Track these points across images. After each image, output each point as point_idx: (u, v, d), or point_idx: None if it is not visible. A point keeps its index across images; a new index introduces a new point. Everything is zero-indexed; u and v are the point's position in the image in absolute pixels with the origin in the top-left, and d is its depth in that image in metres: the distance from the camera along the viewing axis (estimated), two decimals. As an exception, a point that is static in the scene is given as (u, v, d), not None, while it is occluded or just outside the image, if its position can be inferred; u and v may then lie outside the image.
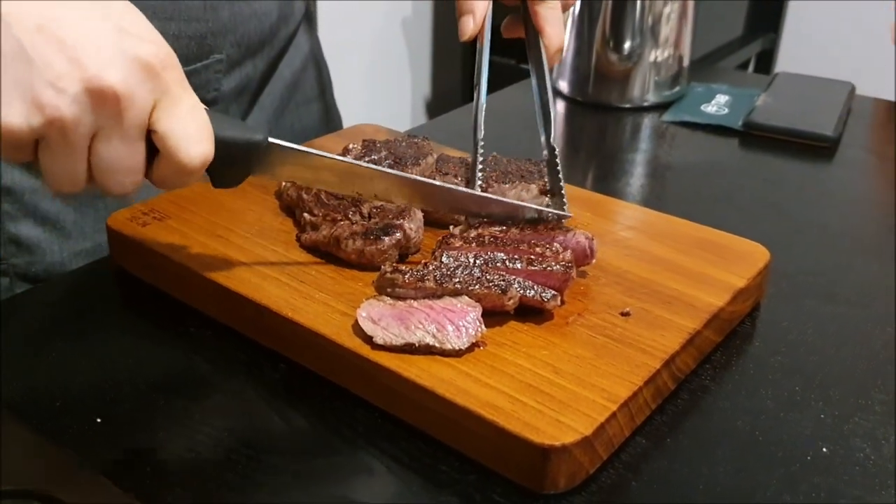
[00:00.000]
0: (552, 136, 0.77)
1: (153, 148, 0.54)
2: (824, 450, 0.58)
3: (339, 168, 0.65)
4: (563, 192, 0.74)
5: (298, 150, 0.63)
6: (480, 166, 0.74)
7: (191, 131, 0.54)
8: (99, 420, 0.59)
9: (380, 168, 0.67)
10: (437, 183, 0.69)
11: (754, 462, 0.57)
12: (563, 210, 0.73)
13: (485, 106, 0.75)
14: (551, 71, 0.79)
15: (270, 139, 0.61)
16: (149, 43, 0.52)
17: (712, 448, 0.58)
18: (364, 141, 0.78)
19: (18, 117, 0.49)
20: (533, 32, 0.79)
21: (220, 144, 0.56)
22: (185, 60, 0.85)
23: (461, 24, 0.78)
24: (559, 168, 0.75)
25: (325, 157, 0.64)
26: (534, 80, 0.80)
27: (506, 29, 0.82)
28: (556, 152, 0.75)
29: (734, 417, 0.61)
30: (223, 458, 0.56)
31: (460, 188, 0.69)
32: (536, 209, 0.71)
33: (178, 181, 0.56)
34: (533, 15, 0.78)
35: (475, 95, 0.76)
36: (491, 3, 0.78)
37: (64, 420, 0.59)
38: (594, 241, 0.68)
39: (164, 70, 0.52)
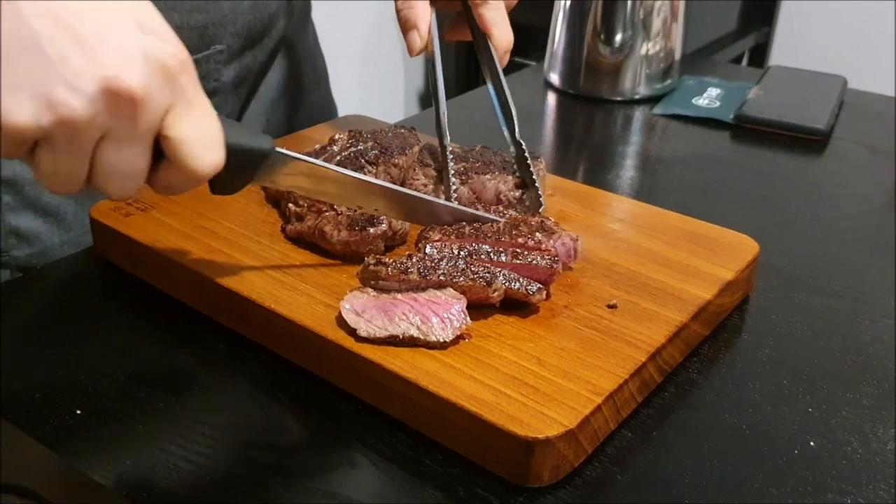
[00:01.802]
0: (516, 132, 0.76)
1: (157, 152, 0.51)
2: (811, 444, 0.58)
3: (343, 181, 0.64)
4: (536, 184, 0.74)
5: (304, 160, 0.62)
6: (453, 171, 0.73)
7: (204, 137, 0.52)
8: (79, 412, 0.58)
9: (383, 183, 0.66)
10: (439, 201, 0.68)
11: (741, 456, 0.57)
12: (540, 202, 0.73)
13: (447, 113, 0.75)
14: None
15: (277, 148, 0.59)
16: (169, 44, 0.49)
17: (699, 442, 0.58)
18: (350, 131, 0.77)
19: (26, 114, 0.45)
20: (480, 35, 0.79)
21: (227, 150, 0.54)
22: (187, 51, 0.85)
23: (407, 40, 0.77)
24: (529, 161, 0.74)
25: (330, 168, 0.64)
26: (489, 83, 0.79)
27: (449, 32, 0.82)
28: (524, 146, 0.75)
29: (721, 411, 0.60)
30: (203, 451, 0.56)
31: (462, 208, 0.69)
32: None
33: (183, 187, 0.54)
34: (478, 18, 0.78)
35: (434, 106, 0.76)
36: (434, 13, 0.78)
37: (43, 413, 0.58)
38: (579, 241, 0.67)
39: (182, 73, 0.49)
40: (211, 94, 0.89)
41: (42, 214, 0.84)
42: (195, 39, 0.85)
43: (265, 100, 0.99)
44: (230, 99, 0.93)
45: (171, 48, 0.49)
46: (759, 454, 0.57)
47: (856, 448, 0.58)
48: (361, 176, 0.66)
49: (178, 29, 0.83)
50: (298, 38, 1.03)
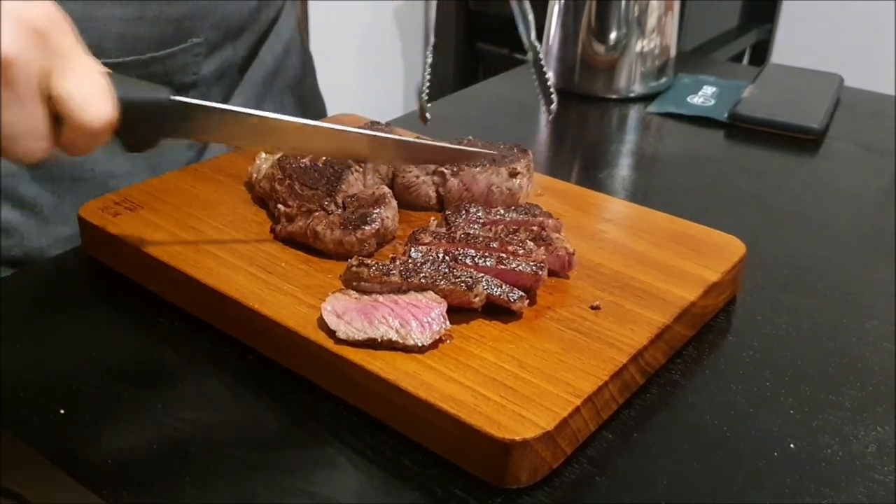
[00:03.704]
0: (532, 35, 0.81)
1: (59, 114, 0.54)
2: (792, 446, 0.58)
3: (249, 122, 0.64)
4: (549, 84, 0.78)
5: (204, 105, 0.62)
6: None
7: (88, 93, 0.54)
8: (62, 411, 0.59)
9: (294, 119, 0.65)
10: (356, 130, 0.67)
11: (721, 458, 0.57)
12: (551, 98, 0.74)
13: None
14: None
15: (174, 97, 0.61)
16: (37, 7, 0.52)
17: (679, 444, 0.58)
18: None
19: None
20: None
21: (125, 106, 0.57)
22: (163, 43, 0.85)
23: None
24: (543, 64, 0.79)
25: (232, 110, 0.64)
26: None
27: None
28: (538, 49, 0.80)
29: (703, 413, 0.61)
30: (184, 450, 0.56)
31: (381, 134, 0.69)
32: (457, 147, 0.72)
33: (85, 144, 0.56)
34: None
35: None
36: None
37: (26, 411, 0.59)
38: (574, 255, 0.67)
39: (54, 33, 0.52)
40: (190, 87, 0.89)
41: (19, 206, 0.84)
42: (171, 31, 0.84)
43: (249, 94, 0.98)
44: (212, 92, 0.93)
45: (39, 10, 0.52)
46: (739, 456, 0.57)
47: (836, 450, 0.58)
48: (268, 114, 0.64)
49: (155, 21, 0.84)
50: (283, 31, 1.02)
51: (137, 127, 0.59)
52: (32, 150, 0.54)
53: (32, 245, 0.85)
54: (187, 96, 0.90)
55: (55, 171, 0.85)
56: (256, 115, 0.64)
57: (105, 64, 0.54)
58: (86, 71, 0.55)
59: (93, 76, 0.55)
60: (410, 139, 0.71)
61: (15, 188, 0.84)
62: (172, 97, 0.60)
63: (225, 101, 0.96)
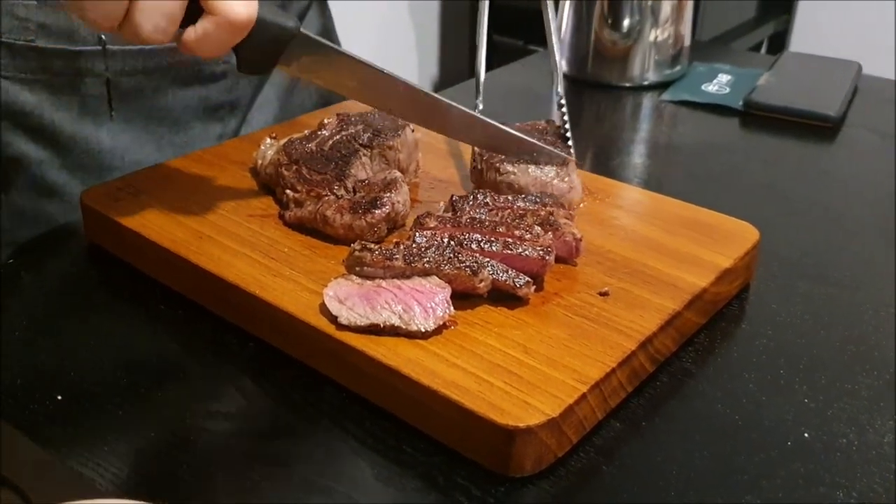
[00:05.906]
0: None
1: (194, 13, 0.57)
2: (806, 435, 0.56)
3: (361, 74, 0.66)
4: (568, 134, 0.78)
5: (326, 45, 0.65)
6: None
7: None
8: (60, 398, 0.58)
9: (404, 80, 0.67)
10: (454, 105, 0.69)
11: (732, 448, 0.55)
12: (569, 152, 0.75)
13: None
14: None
15: (302, 29, 0.63)
16: None
17: (690, 433, 0.56)
18: (338, 114, 0.76)
19: None
20: None
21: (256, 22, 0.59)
22: None
23: None
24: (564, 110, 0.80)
25: (351, 57, 0.66)
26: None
27: None
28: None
29: (714, 402, 0.59)
30: (183, 439, 0.55)
31: (476, 115, 0.71)
32: (540, 145, 0.72)
33: (217, 40, 0.58)
34: None
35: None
36: None
37: (23, 398, 0.58)
38: (581, 241, 0.65)
39: None
40: (220, 76, 0.89)
41: (47, 194, 0.84)
42: None
43: (278, 85, 0.98)
44: (240, 83, 0.92)
45: None
46: (751, 446, 0.55)
47: (851, 440, 0.56)
48: (380, 68, 0.67)
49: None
50: (313, 22, 1.01)
51: (259, 48, 0.62)
52: (159, 27, 0.56)
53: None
54: (216, 87, 0.90)
55: (84, 159, 0.84)
56: (370, 67, 0.66)
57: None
58: None
59: None
60: (505, 128, 0.72)
61: (44, 176, 0.83)
62: (302, 29, 0.63)
63: (255, 93, 0.95)
